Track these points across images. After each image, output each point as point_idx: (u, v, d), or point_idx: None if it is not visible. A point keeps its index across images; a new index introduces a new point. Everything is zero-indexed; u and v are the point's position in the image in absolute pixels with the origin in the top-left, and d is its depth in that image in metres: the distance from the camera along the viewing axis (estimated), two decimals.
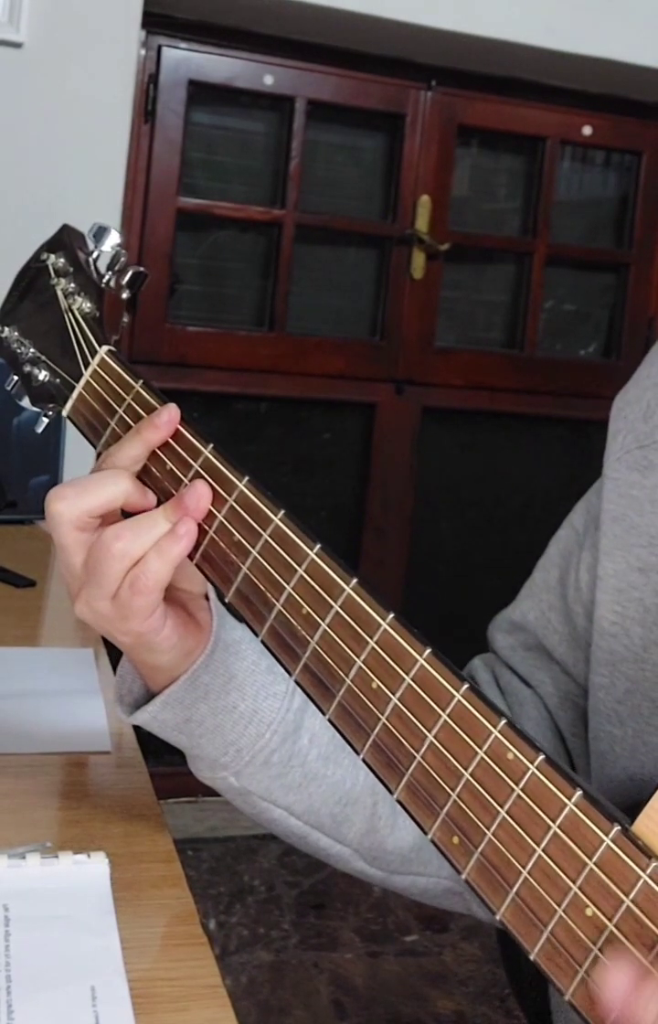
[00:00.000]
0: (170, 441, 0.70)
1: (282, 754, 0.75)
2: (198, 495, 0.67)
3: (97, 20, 2.14)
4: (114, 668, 1.20)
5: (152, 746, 1.03)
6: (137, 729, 1.05)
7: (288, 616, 0.64)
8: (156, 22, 2.32)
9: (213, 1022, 0.65)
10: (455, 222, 2.68)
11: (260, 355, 2.57)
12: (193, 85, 2.42)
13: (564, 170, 2.80)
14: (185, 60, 2.40)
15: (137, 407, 0.73)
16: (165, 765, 1.04)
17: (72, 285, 0.80)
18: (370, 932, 2.27)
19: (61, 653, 1.28)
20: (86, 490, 0.68)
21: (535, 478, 2.88)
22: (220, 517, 0.67)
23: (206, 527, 0.68)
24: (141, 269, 0.80)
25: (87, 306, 0.79)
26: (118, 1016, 0.63)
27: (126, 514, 0.70)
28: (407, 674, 0.58)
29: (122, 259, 0.81)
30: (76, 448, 2.01)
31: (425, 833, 0.57)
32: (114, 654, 1.23)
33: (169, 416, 0.70)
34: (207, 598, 0.73)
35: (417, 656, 0.58)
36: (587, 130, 2.72)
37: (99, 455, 0.76)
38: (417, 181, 2.62)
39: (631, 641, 0.73)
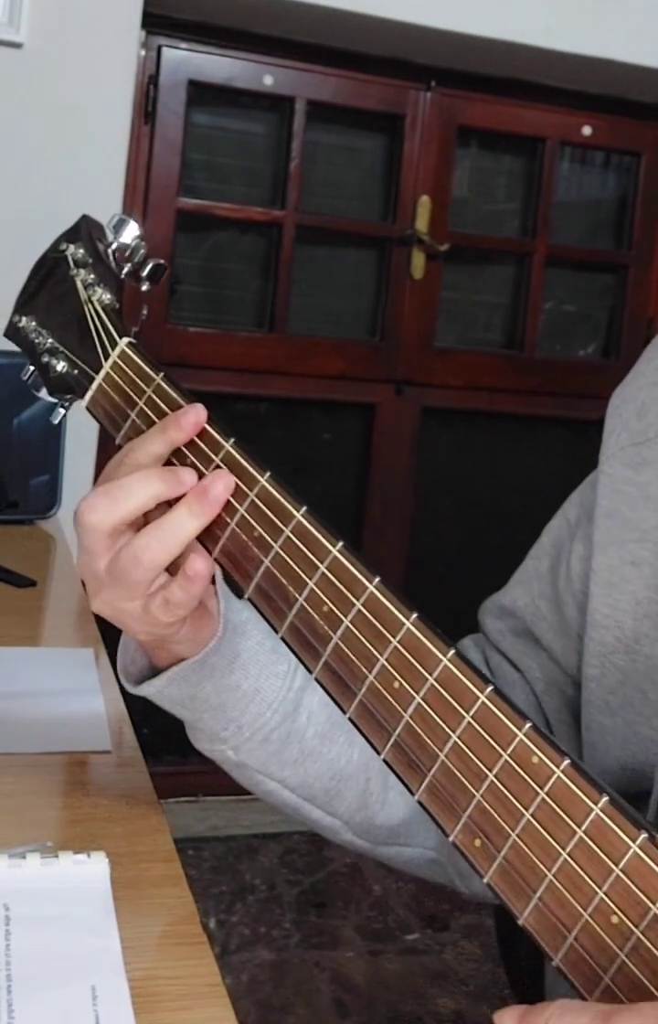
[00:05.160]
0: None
1: (281, 732, 0.77)
2: (224, 484, 0.68)
3: (97, 20, 2.14)
4: (114, 668, 1.21)
5: (152, 745, 1.03)
6: (137, 728, 1.05)
7: (310, 613, 0.64)
8: (156, 22, 2.32)
9: (214, 1021, 0.65)
10: (455, 223, 2.68)
11: (260, 356, 2.57)
12: (193, 85, 2.42)
13: (563, 171, 2.80)
14: (185, 60, 2.40)
15: (158, 400, 0.73)
16: (165, 764, 1.05)
17: (91, 276, 0.80)
18: (371, 931, 2.27)
19: (61, 653, 1.28)
20: (117, 499, 0.68)
21: (534, 479, 2.88)
22: (242, 511, 0.67)
23: (227, 520, 0.68)
24: (161, 261, 0.80)
25: (106, 297, 0.79)
26: (118, 1015, 0.63)
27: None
28: (431, 674, 0.57)
29: (142, 251, 0.81)
30: (77, 448, 2.01)
31: (447, 835, 0.56)
32: (114, 653, 1.24)
33: (196, 418, 0.70)
34: (213, 581, 0.74)
35: (441, 656, 0.57)
36: (586, 131, 2.72)
37: (118, 447, 0.76)
38: (417, 182, 2.62)
39: (623, 633, 0.74)
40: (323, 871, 2.46)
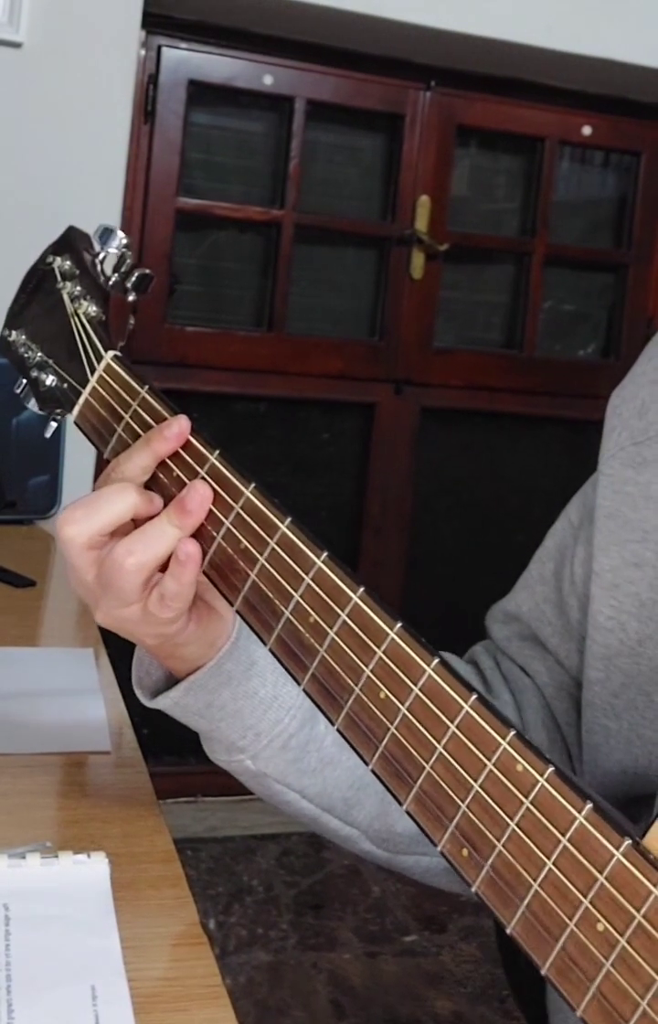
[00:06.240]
0: (178, 448, 0.70)
1: (300, 739, 0.76)
2: (200, 496, 0.67)
3: (97, 20, 2.14)
4: (114, 668, 1.21)
5: (152, 746, 1.03)
6: (137, 729, 1.05)
7: (296, 625, 0.63)
8: (156, 22, 2.32)
9: (213, 1022, 0.65)
10: (454, 222, 2.68)
11: (259, 355, 2.57)
12: (193, 85, 2.42)
13: (563, 170, 2.79)
14: (185, 60, 2.40)
15: (143, 413, 0.73)
16: (164, 765, 1.05)
17: (78, 288, 0.80)
18: (368, 932, 2.27)
19: (61, 653, 1.28)
20: (94, 510, 0.68)
21: (534, 478, 2.88)
22: (228, 524, 0.67)
23: (214, 534, 0.68)
24: (147, 271, 0.80)
25: (92, 310, 0.79)
26: (118, 1016, 0.63)
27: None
28: (415, 684, 0.57)
29: (128, 261, 0.80)
30: (76, 448, 2.01)
31: (434, 845, 0.56)
32: (114, 653, 1.24)
33: (179, 428, 0.70)
34: None
35: (425, 666, 0.57)
36: (586, 130, 2.72)
37: (107, 461, 0.76)
38: (416, 181, 2.62)
39: (627, 636, 0.74)
40: (321, 872, 2.46)
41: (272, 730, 0.75)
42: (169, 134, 2.42)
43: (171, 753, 2.38)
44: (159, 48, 2.38)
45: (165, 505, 0.69)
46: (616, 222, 2.87)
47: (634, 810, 0.73)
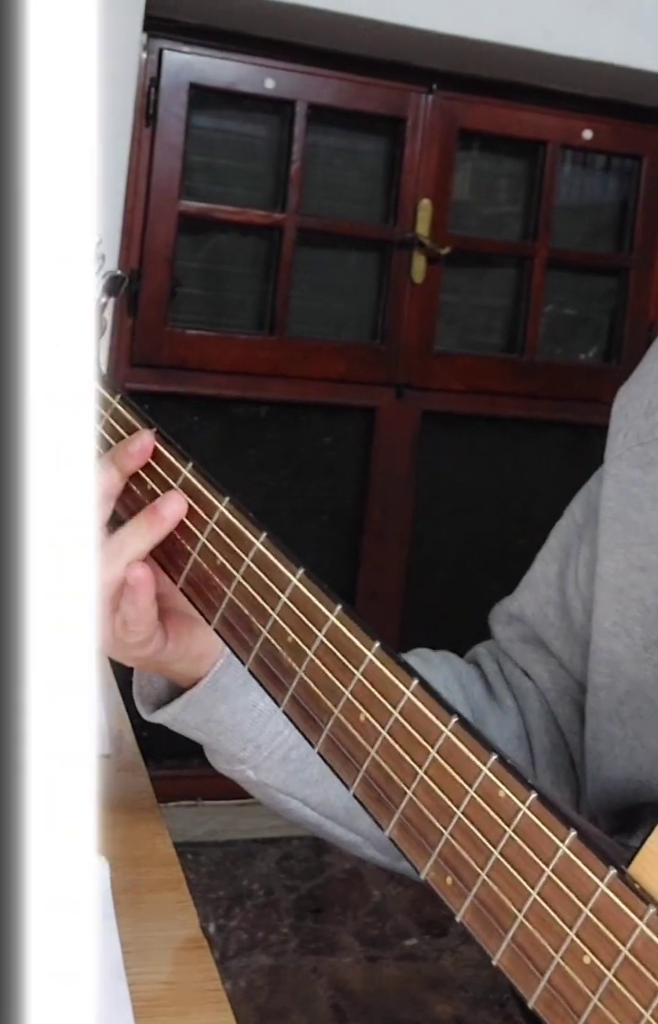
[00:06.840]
0: (150, 460, 0.69)
1: (300, 750, 0.75)
2: (174, 506, 0.67)
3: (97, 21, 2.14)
4: (114, 669, 1.20)
5: (152, 749, 1.03)
6: (137, 732, 1.05)
7: (274, 644, 0.62)
8: (157, 25, 2.32)
9: None
10: (456, 226, 2.68)
11: (260, 359, 2.57)
12: (194, 89, 2.42)
13: (565, 174, 2.79)
14: (186, 64, 2.40)
15: (115, 424, 0.72)
16: (165, 768, 1.04)
17: None
18: (369, 936, 2.26)
19: None
20: None
21: (535, 482, 2.87)
22: (203, 540, 0.66)
23: (189, 549, 0.67)
24: (118, 273, 0.79)
25: None
26: (118, 1020, 0.63)
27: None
28: (395, 707, 0.56)
29: (101, 262, 0.80)
30: None
31: (418, 873, 0.55)
32: None
33: (141, 445, 0.69)
34: None
35: (404, 688, 0.56)
36: (588, 134, 2.72)
37: None
38: (418, 185, 2.62)
39: (632, 641, 0.72)
40: (321, 876, 2.46)
41: (272, 742, 0.74)
42: (171, 137, 2.42)
43: (171, 756, 2.37)
44: (160, 51, 2.38)
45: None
46: (617, 226, 2.86)
47: (637, 819, 0.72)
